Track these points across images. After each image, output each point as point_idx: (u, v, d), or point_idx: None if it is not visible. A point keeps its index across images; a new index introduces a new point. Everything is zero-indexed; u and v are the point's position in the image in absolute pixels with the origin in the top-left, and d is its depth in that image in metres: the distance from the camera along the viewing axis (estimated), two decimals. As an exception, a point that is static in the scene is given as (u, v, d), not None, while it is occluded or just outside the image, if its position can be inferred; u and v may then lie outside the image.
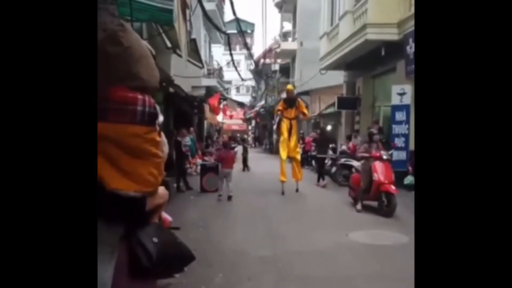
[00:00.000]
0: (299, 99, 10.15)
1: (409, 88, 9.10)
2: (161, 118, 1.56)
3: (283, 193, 9.18)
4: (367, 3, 10.15)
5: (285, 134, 9.45)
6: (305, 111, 9.95)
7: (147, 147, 1.29)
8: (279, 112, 9.74)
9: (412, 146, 9.43)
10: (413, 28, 8.64)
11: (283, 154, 9.42)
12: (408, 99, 9.11)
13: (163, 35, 8.04)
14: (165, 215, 3.81)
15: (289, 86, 10.56)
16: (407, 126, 9.24)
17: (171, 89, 11.50)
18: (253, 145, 34.20)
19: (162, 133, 1.58)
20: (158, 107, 1.54)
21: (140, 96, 1.26)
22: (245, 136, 24.74)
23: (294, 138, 9.55)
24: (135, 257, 1.28)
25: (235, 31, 14.85)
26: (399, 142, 9.27)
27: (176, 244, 1.44)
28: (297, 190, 9.45)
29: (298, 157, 9.81)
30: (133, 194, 1.25)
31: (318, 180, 10.81)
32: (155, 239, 1.32)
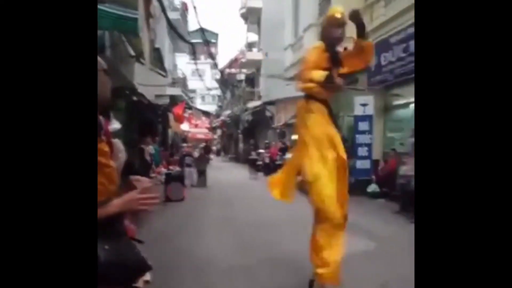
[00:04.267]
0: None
1: (371, 99, 9.38)
2: (117, 125, 1.54)
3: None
4: (330, 16, 10.39)
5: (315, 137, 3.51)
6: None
7: None
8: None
9: (375, 156, 9.70)
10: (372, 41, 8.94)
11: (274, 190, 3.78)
12: (371, 110, 9.38)
13: (126, 43, 7.92)
14: (128, 224, 3.69)
15: (335, 10, 3.45)
16: (370, 136, 9.51)
17: (134, 98, 11.26)
18: (216, 154, 33.89)
19: (118, 140, 1.56)
20: (111, 115, 1.52)
21: None
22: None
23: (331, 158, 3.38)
24: None
25: (199, 41, 14.80)
26: (362, 151, 9.53)
27: (131, 253, 1.48)
28: None
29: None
30: None
31: None
32: (106, 246, 1.34)
